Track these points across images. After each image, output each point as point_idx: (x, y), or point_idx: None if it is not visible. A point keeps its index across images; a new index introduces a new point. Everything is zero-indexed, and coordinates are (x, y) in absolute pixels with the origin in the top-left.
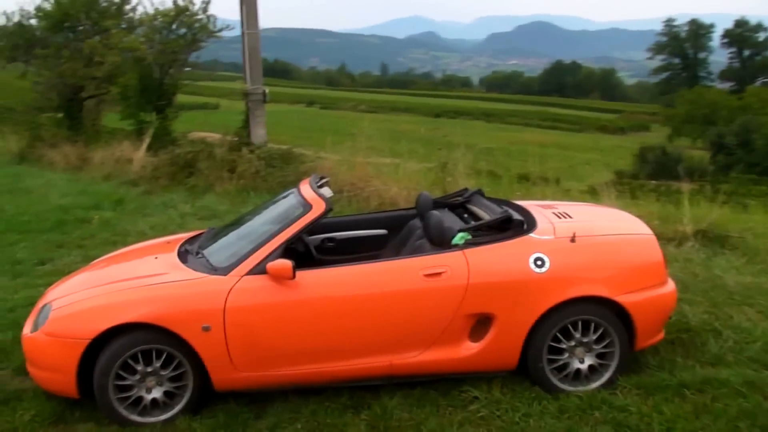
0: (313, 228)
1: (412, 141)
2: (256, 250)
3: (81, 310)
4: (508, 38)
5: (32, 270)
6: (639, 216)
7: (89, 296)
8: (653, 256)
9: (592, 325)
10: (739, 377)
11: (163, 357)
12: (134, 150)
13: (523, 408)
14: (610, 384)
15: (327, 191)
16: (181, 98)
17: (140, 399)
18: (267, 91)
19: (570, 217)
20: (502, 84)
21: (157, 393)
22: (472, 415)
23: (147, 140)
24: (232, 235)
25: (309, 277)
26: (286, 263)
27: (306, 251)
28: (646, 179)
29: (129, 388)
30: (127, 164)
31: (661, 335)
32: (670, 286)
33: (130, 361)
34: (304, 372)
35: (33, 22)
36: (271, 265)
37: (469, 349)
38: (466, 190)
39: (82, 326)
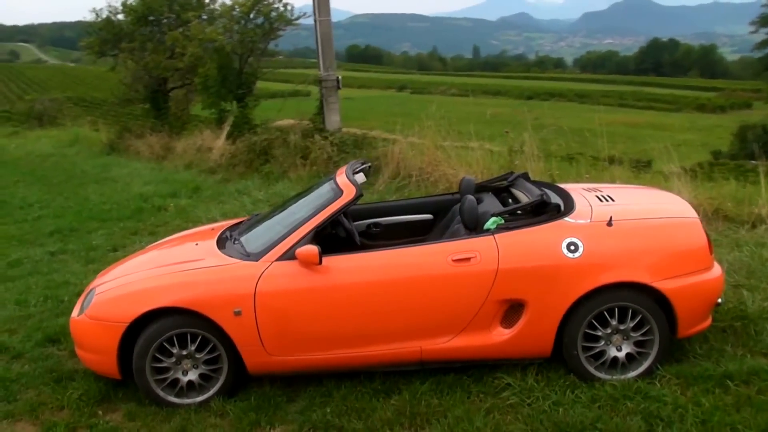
0: (359, 213)
1: (500, 124)
2: (287, 236)
3: (120, 295)
4: (602, 17)
5: (105, 256)
6: (710, 198)
7: (129, 282)
8: (696, 241)
9: (630, 312)
10: None
11: (198, 340)
12: (215, 139)
13: (554, 396)
14: (648, 373)
15: (361, 177)
16: (273, 86)
17: (177, 381)
18: (340, 77)
19: (613, 200)
20: (597, 64)
21: (192, 375)
22: (501, 402)
23: (226, 129)
24: (269, 222)
25: (337, 262)
26: (313, 249)
27: (347, 237)
28: (745, 159)
29: (166, 370)
30: (207, 153)
31: (708, 322)
32: (716, 271)
33: (166, 345)
34: (335, 357)
35: (120, 17)
36: (300, 251)
37: (501, 335)
38: (511, 173)
39: (121, 310)
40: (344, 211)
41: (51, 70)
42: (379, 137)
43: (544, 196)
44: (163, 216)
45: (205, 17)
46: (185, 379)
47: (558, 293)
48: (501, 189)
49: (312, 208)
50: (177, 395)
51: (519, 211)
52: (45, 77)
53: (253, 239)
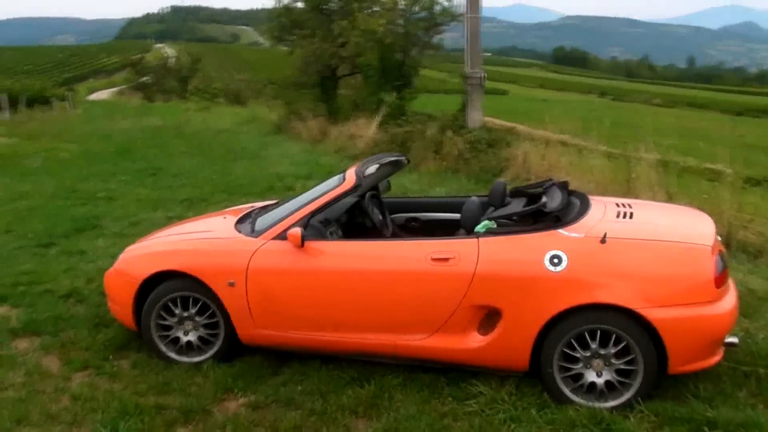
0: (404, 206)
1: (694, 138)
2: (286, 218)
3: (139, 255)
4: None
5: None
6: None
7: (152, 243)
8: (699, 270)
9: (613, 337)
10: None
11: (199, 305)
12: (367, 127)
13: (514, 412)
14: (627, 406)
15: (371, 169)
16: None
17: (178, 339)
18: (485, 75)
19: (631, 217)
20: None
21: (192, 336)
22: (462, 408)
23: (379, 118)
24: (285, 204)
25: (324, 247)
26: (297, 231)
27: (375, 227)
28: None
29: (169, 328)
30: (356, 140)
31: (713, 360)
32: (722, 306)
33: (171, 305)
34: (314, 338)
35: (299, 4)
36: (289, 232)
37: (476, 341)
38: (550, 180)
39: (138, 269)
40: (341, 199)
41: (263, 53)
42: (526, 134)
43: (542, 205)
44: (286, 195)
45: (370, 9)
46: (185, 338)
47: (535, 306)
48: (535, 195)
49: (315, 194)
50: (177, 353)
51: (515, 218)
52: (256, 59)
53: (264, 218)
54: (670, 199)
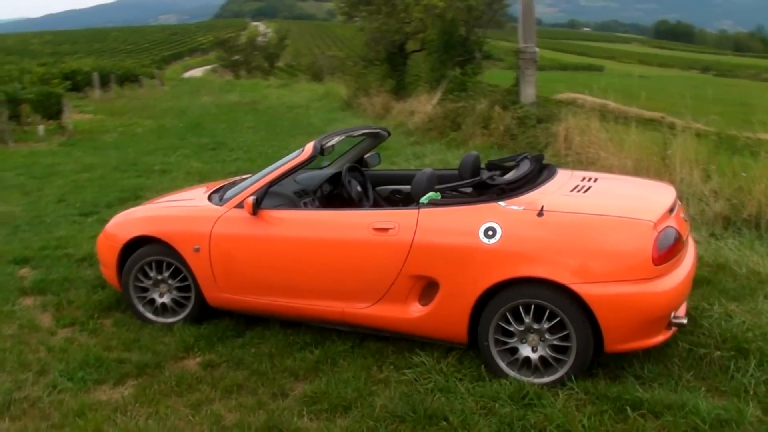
0: (392, 178)
1: None
2: (247, 187)
3: (124, 220)
4: None
5: None
6: None
7: (137, 210)
8: (637, 246)
9: (547, 312)
10: (714, 410)
11: (172, 269)
12: (427, 103)
13: (444, 383)
14: (558, 383)
15: (332, 141)
16: (565, 58)
17: (153, 301)
18: (538, 51)
19: (588, 190)
20: None
21: (166, 299)
22: (398, 376)
23: (438, 95)
24: (255, 175)
25: (276, 215)
26: (249, 200)
27: (349, 198)
28: None
29: (145, 290)
30: (414, 116)
31: (655, 340)
32: (663, 284)
33: (146, 268)
34: (270, 303)
35: None
36: (246, 201)
37: (417, 311)
38: (524, 153)
39: (120, 233)
40: (298, 170)
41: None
42: (618, 112)
43: (485, 176)
44: None
45: None
46: (160, 300)
47: (469, 278)
48: (509, 168)
49: (276, 166)
50: (153, 313)
51: (461, 189)
52: (351, 35)
53: (233, 190)
54: (707, 177)
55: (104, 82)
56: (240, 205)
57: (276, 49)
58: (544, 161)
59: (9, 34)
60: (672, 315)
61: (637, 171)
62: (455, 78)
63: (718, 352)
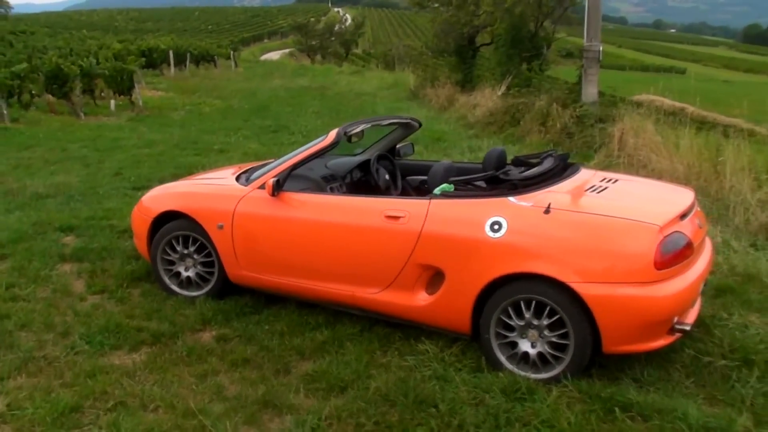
0: (425, 169)
1: None
2: (272, 170)
3: (158, 194)
4: None
5: None
6: None
7: (172, 185)
8: (640, 248)
9: (547, 309)
10: (703, 418)
11: (197, 244)
12: (491, 96)
13: (443, 372)
14: (555, 380)
15: (356, 129)
16: (648, 59)
17: (179, 274)
18: (602, 49)
19: (603, 190)
20: None
21: (191, 273)
22: (399, 362)
23: (502, 89)
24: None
25: (295, 198)
26: (270, 182)
27: (376, 186)
28: None
29: (172, 263)
30: (476, 109)
31: (656, 344)
32: (665, 289)
33: (174, 242)
34: (286, 283)
35: None
36: (267, 182)
37: (423, 300)
38: (551, 150)
39: (152, 207)
40: (320, 155)
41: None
42: (695, 116)
43: (505, 173)
44: None
45: None
46: (185, 274)
47: (473, 270)
48: (533, 165)
49: (299, 150)
50: (179, 286)
51: (475, 183)
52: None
53: (259, 171)
54: (758, 186)
55: (180, 61)
56: (263, 186)
57: (352, 35)
58: (569, 160)
59: (97, 10)
60: (675, 320)
61: (688, 176)
62: (520, 73)
63: (723, 361)
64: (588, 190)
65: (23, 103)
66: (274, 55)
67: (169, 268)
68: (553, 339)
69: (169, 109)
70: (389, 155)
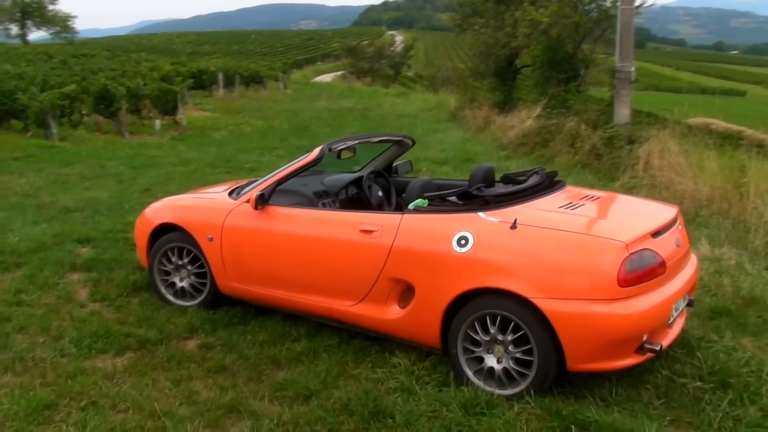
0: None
1: None
2: (258, 185)
3: (158, 207)
4: None
5: None
6: None
7: (172, 198)
8: (604, 265)
9: (512, 324)
10: None
11: (191, 256)
12: (526, 118)
13: (408, 384)
14: (518, 396)
15: (341, 146)
16: (707, 81)
17: (174, 284)
18: (634, 69)
19: (577, 207)
20: None
21: (185, 283)
22: (369, 374)
23: (537, 110)
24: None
25: (277, 212)
26: (253, 197)
27: (368, 202)
28: None
29: (168, 273)
30: (509, 130)
31: (623, 362)
32: (629, 307)
33: (169, 253)
34: (269, 294)
35: None
36: (252, 196)
37: (395, 313)
38: (538, 168)
39: (151, 219)
40: (304, 170)
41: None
42: (753, 139)
43: (468, 187)
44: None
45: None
46: (180, 284)
47: (441, 285)
48: (520, 182)
49: (285, 166)
50: (174, 296)
51: (450, 198)
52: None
53: (253, 185)
54: None
55: (230, 83)
56: (248, 201)
57: (401, 58)
58: (556, 178)
59: (157, 34)
60: (644, 339)
61: (712, 198)
62: (556, 95)
63: (698, 383)
64: (563, 207)
65: (73, 122)
66: (326, 77)
67: (165, 278)
68: (518, 355)
69: (211, 129)
70: (384, 172)
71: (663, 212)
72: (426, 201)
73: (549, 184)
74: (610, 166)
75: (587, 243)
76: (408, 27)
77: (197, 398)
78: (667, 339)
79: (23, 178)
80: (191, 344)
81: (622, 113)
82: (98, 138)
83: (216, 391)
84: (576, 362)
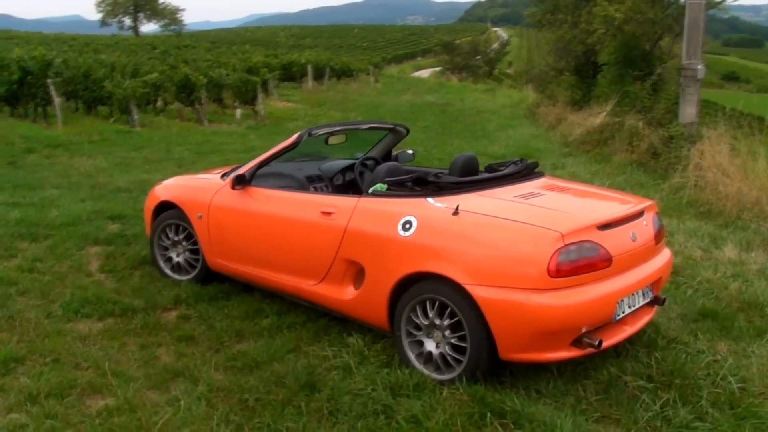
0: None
1: None
2: (243, 166)
3: (163, 186)
4: None
5: None
6: None
7: (178, 178)
8: (535, 255)
9: (448, 310)
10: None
11: (186, 233)
12: (597, 116)
13: (355, 365)
14: (450, 381)
15: (322, 131)
16: None
17: (171, 259)
18: (701, 67)
19: (537, 197)
20: None
21: (181, 258)
22: (319, 352)
23: (607, 108)
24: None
25: (254, 193)
26: (231, 176)
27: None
28: None
29: (166, 248)
30: (576, 128)
31: (558, 355)
32: (560, 299)
33: (167, 229)
34: (247, 271)
35: None
36: (230, 176)
37: (350, 294)
38: (519, 159)
39: (156, 197)
40: (283, 154)
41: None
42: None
43: (423, 173)
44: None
45: None
46: (176, 259)
47: (386, 267)
48: (495, 170)
49: (269, 150)
50: (171, 270)
51: (408, 183)
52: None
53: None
54: None
55: (320, 75)
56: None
57: (497, 54)
58: (537, 169)
59: (262, 27)
60: (583, 331)
61: (758, 201)
62: (628, 93)
63: (641, 382)
64: (520, 196)
65: (156, 110)
66: (424, 73)
67: (164, 253)
68: (454, 341)
69: (288, 120)
70: (378, 159)
71: (625, 205)
72: (385, 186)
73: (524, 174)
74: (666, 166)
75: (524, 232)
76: (513, 24)
77: (156, 363)
78: (616, 336)
79: (91, 159)
80: (171, 315)
81: (688, 112)
82: (174, 125)
83: (175, 357)
84: (508, 351)
